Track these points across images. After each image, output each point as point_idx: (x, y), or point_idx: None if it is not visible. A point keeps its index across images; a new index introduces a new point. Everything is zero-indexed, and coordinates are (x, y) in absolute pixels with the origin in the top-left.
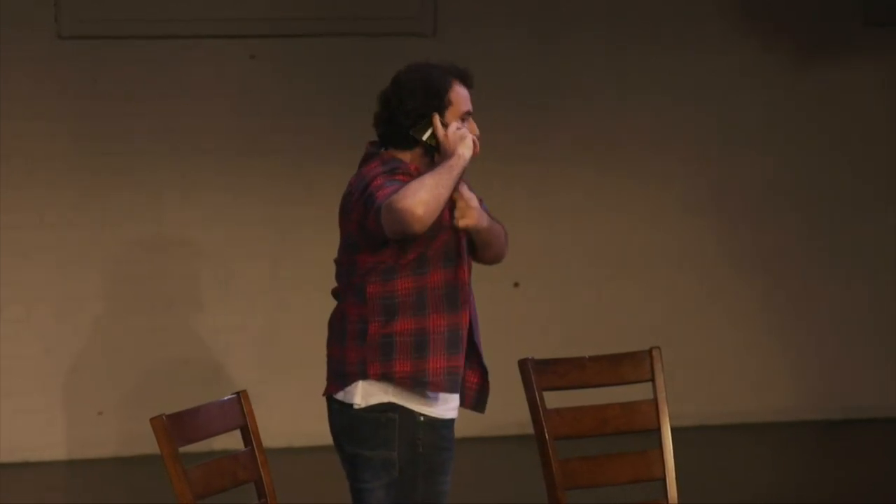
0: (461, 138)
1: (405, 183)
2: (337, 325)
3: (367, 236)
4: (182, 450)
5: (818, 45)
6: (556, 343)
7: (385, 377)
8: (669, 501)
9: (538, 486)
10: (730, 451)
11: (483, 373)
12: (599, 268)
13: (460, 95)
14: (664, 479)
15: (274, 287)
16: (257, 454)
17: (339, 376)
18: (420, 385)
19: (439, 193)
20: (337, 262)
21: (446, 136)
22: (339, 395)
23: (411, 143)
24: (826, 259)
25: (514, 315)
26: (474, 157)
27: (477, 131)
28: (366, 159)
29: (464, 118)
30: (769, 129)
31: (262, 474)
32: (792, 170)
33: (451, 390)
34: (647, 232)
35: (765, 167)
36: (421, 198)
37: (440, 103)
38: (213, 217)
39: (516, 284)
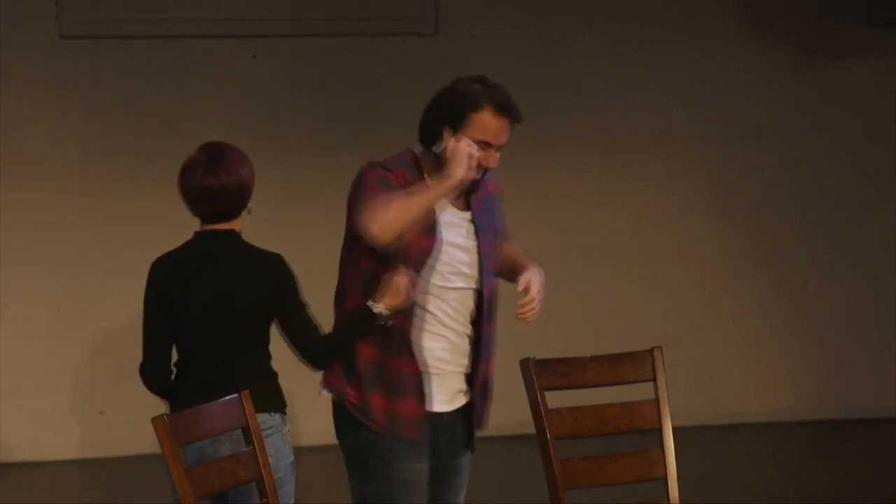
0: (455, 155)
1: (393, 190)
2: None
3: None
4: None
5: (819, 46)
6: (558, 343)
7: (334, 389)
8: (671, 501)
9: (539, 485)
10: (730, 450)
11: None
12: (601, 267)
13: (484, 123)
14: (665, 479)
15: None
16: (258, 454)
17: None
18: (363, 415)
19: (405, 214)
20: (340, 260)
21: (446, 150)
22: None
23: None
24: (827, 259)
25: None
26: (469, 177)
27: (494, 164)
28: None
29: (481, 147)
30: (771, 129)
31: (263, 474)
32: (793, 170)
33: (391, 432)
34: (649, 232)
35: (766, 167)
36: (380, 218)
37: (457, 122)
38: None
39: None
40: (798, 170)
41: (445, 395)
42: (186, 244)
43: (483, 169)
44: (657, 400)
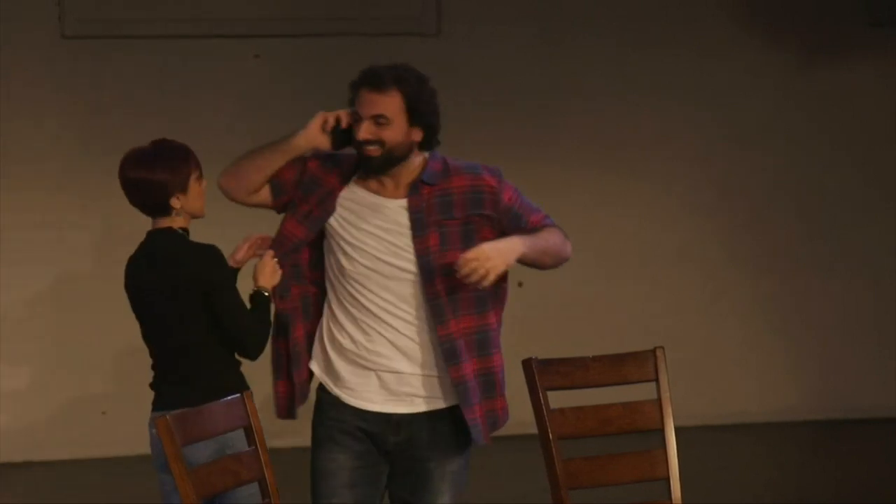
0: (312, 120)
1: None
2: None
3: None
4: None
5: (822, 46)
6: (560, 342)
7: None
8: (673, 501)
9: (541, 485)
10: (730, 450)
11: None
12: (603, 267)
13: (359, 97)
14: (668, 479)
15: None
16: (261, 454)
17: None
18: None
19: (245, 163)
20: None
21: None
22: None
23: None
24: (827, 259)
25: (518, 315)
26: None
27: (362, 135)
28: None
29: (355, 117)
30: (772, 129)
31: (266, 474)
32: (795, 170)
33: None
34: (651, 232)
35: (768, 167)
36: (227, 170)
37: (352, 99)
38: (216, 216)
39: (520, 284)
40: (799, 170)
41: (391, 395)
42: (140, 244)
43: (368, 143)
44: (659, 400)
